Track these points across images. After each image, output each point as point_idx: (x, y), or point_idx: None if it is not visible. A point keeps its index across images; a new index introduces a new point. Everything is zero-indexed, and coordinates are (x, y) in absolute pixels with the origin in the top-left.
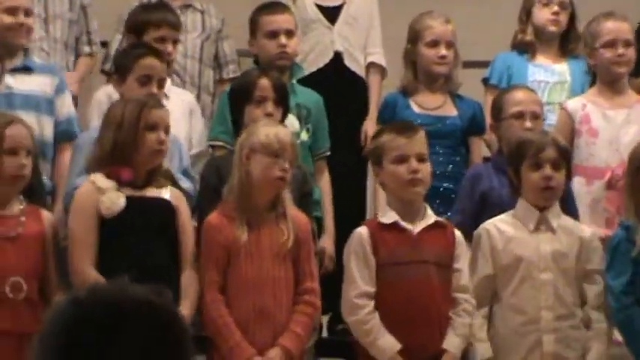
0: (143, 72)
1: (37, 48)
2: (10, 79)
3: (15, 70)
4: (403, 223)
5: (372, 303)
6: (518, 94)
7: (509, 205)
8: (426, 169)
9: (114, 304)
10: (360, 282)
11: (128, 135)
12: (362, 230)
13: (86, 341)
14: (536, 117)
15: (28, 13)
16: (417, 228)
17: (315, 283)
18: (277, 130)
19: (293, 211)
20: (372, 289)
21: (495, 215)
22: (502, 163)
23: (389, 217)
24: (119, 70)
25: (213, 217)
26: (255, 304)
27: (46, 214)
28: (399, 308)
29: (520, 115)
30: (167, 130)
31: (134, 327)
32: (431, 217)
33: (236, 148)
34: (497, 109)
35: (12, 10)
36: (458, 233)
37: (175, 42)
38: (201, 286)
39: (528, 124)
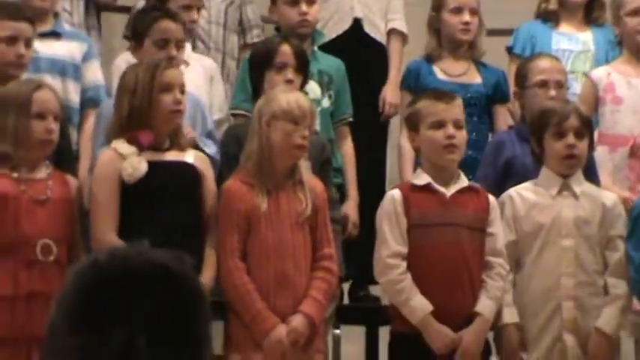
0: (160, 36)
1: (60, 8)
2: (36, 43)
3: (43, 35)
4: (436, 186)
5: (404, 263)
6: (543, 63)
7: (533, 174)
8: (462, 136)
9: (132, 267)
10: (392, 242)
11: (143, 99)
12: (394, 192)
13: (102, 304)
14: (560, 86)
15: None
16: (450, 191)
17: (332, 249)
18: (297, 96)
19: (309, 178)
20: (404, 250)
21: (519, 183)
22: (526, 132)
23: (422, 179)
24: (135, 35)
25: (232, 183)
26: (276, 271)
27: (71, 180)
28: (429, 270)
29: (544, 84)
30: (182, 90)
31: (151, 291)
32: (464, 181)
33: (254, 114)
34: (522, 77)
35: None
36: (492, 198)
37: (199, 9)
38: (219, 254)
39: (552, 92)
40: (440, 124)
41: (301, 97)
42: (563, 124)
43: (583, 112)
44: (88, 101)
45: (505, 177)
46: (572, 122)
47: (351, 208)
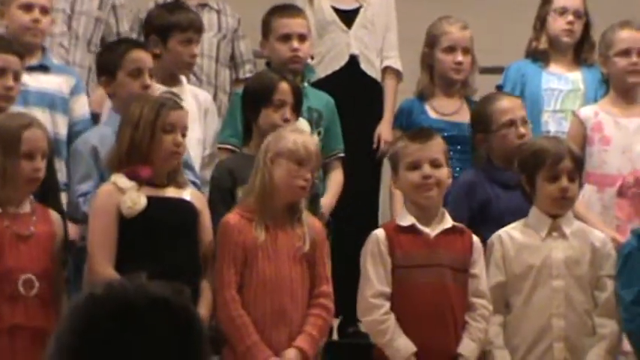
0: (134, 65)
1: (57, 44)
2: (25, 77)
3: (31, 69)
4: (420, 226)
5: (388, 303)
6: (504, 103)
7: (509, 217)
8: (440, 174)
9: (129, 301)
10: (376, 282)
11: (145, 135)
12: (379, 232)
13: (100, 337)
14: (525, 122)
15: (44, 10)
16: (433, 232)
17: (330, 286)
18: (305, 138)
19: (308, 216)
20: (388, 290)
21: (495, 227)
22: (495, 174)
23: (406, 219)
24: (106, 69)
25: (232, 216)
26: (272, 304)
27: (54, 215)
28: (412, 311)
29: (511, 123)
30: (184, 132)
31: (148, 325)
32: (448, 221)
33: (260, 150)
34: (484, 122)
35: (27, 7)
36: (475, 238)
37: (197, 43)
38: (217, 285)
39: (522, 130)
40: (415, 165)
41: (309, 139)
42: (557, 166)
43: (576, 153)
44: (77, 135)
45: (480, 220)
46: (566, 164)
47: (326, 204)
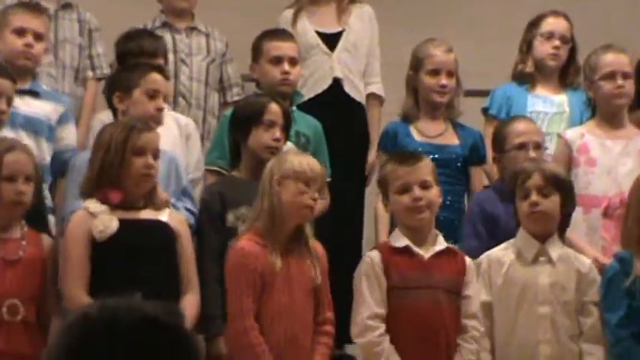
0: (152, 86)
1: (45, 73)
2: (15, 99)
3: (22, 92)
4: (415, 248)
5: (383, 325)
6: (520, 126)
7: (514, 233)
8: (431, 195)
9: (119, 320)
10: (372, 303)
11: (115, 158)
12: (373, 254)
13: (90, 356)
14: (539, 147)
15: (38, 37)
16: (427, 253)
17: (332, 312)
18: (309, 159)
19: (314, 242)
20: (383, 311)
21: (501, 242)
22: (505, 192)
23: (400, 241)
24: (123, 86)
25: (246, 243)
26: (286, 331)
27: (45, 238)
28: (407, 333)
29: (523, 146)
30: (156, 155)
31: (138, 343)
32: (442, 243)
33: (264, 175)
34: (500, 141)
35: (20, 32)
36: (468, 260)
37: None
38: (232, 313)
39: (532, 153)
40: (405, 188)
41: (312, 160)
42: (526, 183)
43: (548, 170)
44: (64, 164)
45: (490, 236)
46: (534, 181)
47: None
